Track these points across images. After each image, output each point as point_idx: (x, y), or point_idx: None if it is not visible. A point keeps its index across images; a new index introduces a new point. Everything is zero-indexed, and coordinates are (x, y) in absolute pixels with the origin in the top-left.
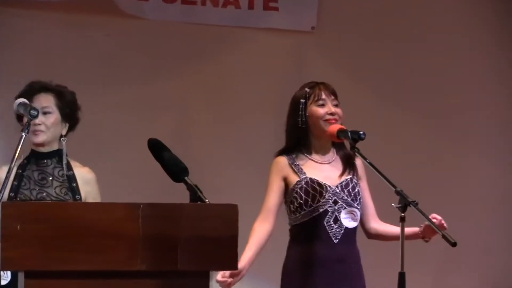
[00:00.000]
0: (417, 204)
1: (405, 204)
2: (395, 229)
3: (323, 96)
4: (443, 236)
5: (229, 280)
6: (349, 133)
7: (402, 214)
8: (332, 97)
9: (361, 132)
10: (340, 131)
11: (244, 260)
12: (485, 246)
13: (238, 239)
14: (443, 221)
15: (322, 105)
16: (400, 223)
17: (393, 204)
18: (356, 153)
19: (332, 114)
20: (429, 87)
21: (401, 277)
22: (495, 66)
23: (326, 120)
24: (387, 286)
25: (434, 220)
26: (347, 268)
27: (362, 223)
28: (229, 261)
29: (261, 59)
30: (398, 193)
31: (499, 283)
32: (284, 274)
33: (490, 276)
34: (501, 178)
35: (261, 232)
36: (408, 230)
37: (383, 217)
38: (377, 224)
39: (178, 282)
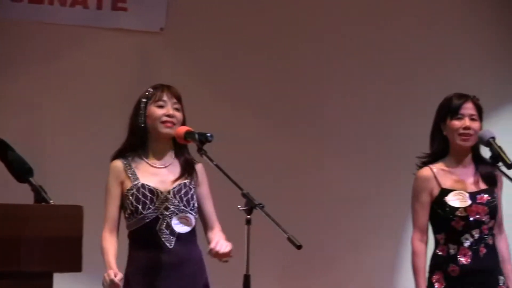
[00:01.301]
0: (263, 206)
1: (251, 206)
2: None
3: (164, 98)
4: (289, 239)
5: None
6: (197, 135)
7: (248, 216)
8: (174, 100)
9: (209, 134)
10: (188, 132)
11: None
12: (332, 249)
13: (83, 241)
14: (221, 250)
15: (162, 107)
16: (246, 226)
17: (239, 206)
18: (203, 155)
19: (169, 116)
20: (280, 90)
21: (246, 279)
22: (344, 69)
23: (163, 122)
24: None
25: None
26: (185, 271)
27: (204, 230)
28: (73, 262)
29: (109, 59)
30: (244, 195)
31: (344, 286)
32: (125, 281)
33: (335, 280)
34: (351, 180)
35: (113, 244)
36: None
37: (230, 220)
38: (211, 234)
39: (20, 283)
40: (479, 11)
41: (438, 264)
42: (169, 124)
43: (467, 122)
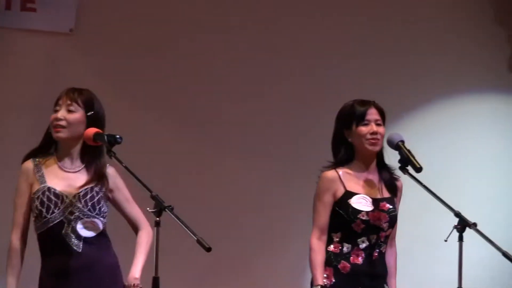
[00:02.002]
0: (172, 209)
1: (160, 208)
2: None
3: (60, 102)
4: (198, 241)
5: None
6: (106, 137)
7: (157, 218)
8: (69, 102)
9: (118, 136)
10: (97, 134)
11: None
12: (241, 252)
13: None
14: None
15: (56, 111)
16: (155, 228)
17: (148, 208)
18: (113, 157)
19: (57, 119)
20: (186, 91)
21: (155, 281)
22: (249, 69)
23: (54, 127)
24: None
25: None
26: (95, 275)
27: (134, 232)
28: None
29: (19, 60)
30: (153, 197)
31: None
32: (39, 284)
33: (245, 283)
34: (261, 184)
35: (18, 258)
36: None
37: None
38: (138, 237)
39: None
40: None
41: (329, 260)
42: (57, 129)
43: (374, 127)
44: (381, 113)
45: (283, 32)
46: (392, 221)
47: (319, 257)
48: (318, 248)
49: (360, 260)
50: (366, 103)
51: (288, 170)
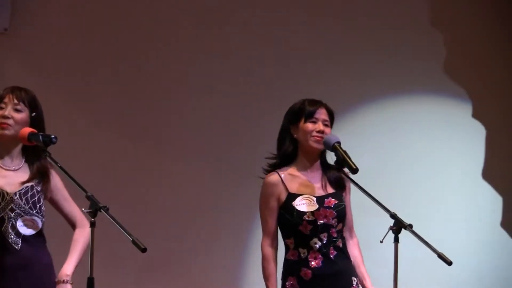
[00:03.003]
0: (107, 209)
1: (95, 209)
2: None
3: (5, 100)
4: (133, 242)
5: None
6: (41, 137)
7: (92, 219)
8: (15, 102)
9: (53, 136)
10: (32, 134)
11: None
12: (179, 253)
13: None
14: None
15: (2, 108)
16: (90, 228)
17: (83, 209)
18: (47, 157)
19: (4, 117)
20: (128, 92)
21: (90, 282)
22: (193, 73)
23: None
24: None
25: None
26: (33, 273)
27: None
28: None
29: None
30: (88, 198)
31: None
32: None
33: (183, 284)
34: (199, 185)
35: None
36: None
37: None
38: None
39: None
40: None
41: (290, 269)
42: (4, 126)
43: (321, 126)
44: (330, 114)
45: (218, 34)
46: (340, 215)
47: (271, 266)
48: (269, 256)
49: (319, 262)
50: (317, 103)
51: (227, 171)
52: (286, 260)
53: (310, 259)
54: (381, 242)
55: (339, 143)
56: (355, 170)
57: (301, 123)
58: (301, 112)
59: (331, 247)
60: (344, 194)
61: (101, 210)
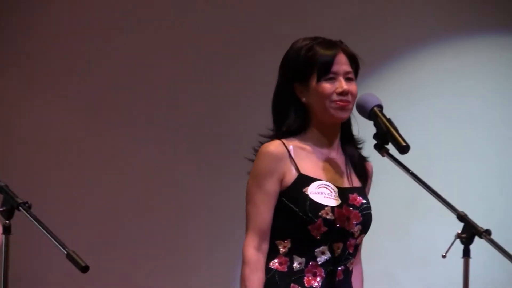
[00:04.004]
0: (30, 206)
1: (11, 206)
2: None
3: None
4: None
5: None
6: None
7: (7, 222)
8: None
9: None
10: None
11: None
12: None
13: None
14: None
15: None
16: (3, 236)
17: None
18: None
19: None
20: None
21: None
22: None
23: None
24: None
25: None
26: None
27: None
28: None
29: None
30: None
31: None
32: None
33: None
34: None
35: None
36: None
37: None
38: None
39: None
40: None
41: (272, 283)
42: None
43: (343, 84)
44: (353, 60)
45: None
46: (366, 223)
47: (257, 277)
48: (255, 262)
49: (318, 281)
50: (333, 46)
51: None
52: (268, 270)
53: (307, 274)
54: (444, 256)
55: (380, 107)
56: (404, 148)
57: (313, 81)
58: (310, 62)
59: (342, 267)
60: (366, 192)
61: (20, 207)
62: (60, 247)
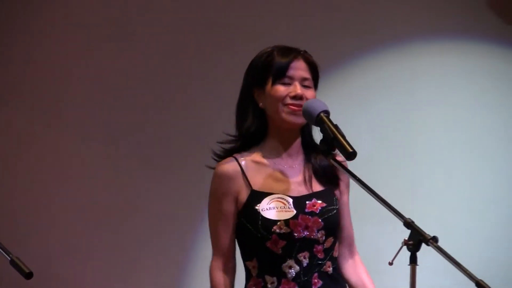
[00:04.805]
0: None
1: None
2: None
3: None
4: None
5: None
6: None
7: None
8: None
9: None
10: None
11: None
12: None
13: None
14: None
15: None
16: None
17: None
18: None
19: None
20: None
21: None
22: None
23: None
24: None
25: None
26: None
27: None
28: None
29: None
30: None
31: None
32: None
33: None
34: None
35: None
36: None
37: None
38: None
39: None
40: None
41: None
42: None
43: (298, 88)
44: (313, 69)
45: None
46: (331, 225)
47: None
48: (221, 284)
49: None
50: (292, 51)
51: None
52: None
53: None
54: (391, 264)
55: (327, 113)
56: (351, 155)
57: (268, 85)
58: (267, 67)
59: (315, 274)
60: (337, 192)
61: None
62: (4, 253)
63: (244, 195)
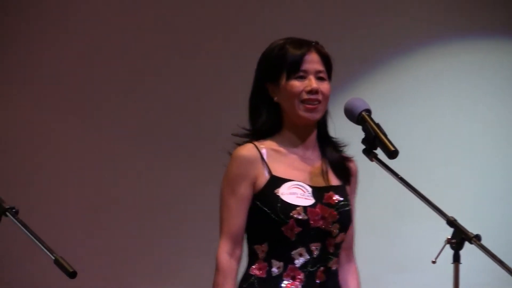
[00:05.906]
0: (17, 212)
1: None
2: None
3: None
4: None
5: None
6: None
7: None
8: None
9: None
10: None
11: None
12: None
13: None
14: None
15: None
16: None
17: None
18: None
19: None
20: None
21: None
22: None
23: None
24: None
25: None
26: None
27: None
28: None
29: None
30: None
31: None
32: None
33: None
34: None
35: None
36: None
37: None
38: None
39: None
40: None
41: None
42: None
43: (313, 82)
44: (326, 61)
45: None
46: (345, 220)
47: (229, 285)
48: (228, 269)
49: (297, 285)
50: (304, 44)
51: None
52: (247, 276)
53: (284, 279)
54: (434, 262)
55: (368, 111)
56: (393, 153)
57: (283, 80)
58: (280, 61)
59: (322, 268)
60: (348, 190)
61: (7, 213)
62: (48, 252)
63: (262, 180)
